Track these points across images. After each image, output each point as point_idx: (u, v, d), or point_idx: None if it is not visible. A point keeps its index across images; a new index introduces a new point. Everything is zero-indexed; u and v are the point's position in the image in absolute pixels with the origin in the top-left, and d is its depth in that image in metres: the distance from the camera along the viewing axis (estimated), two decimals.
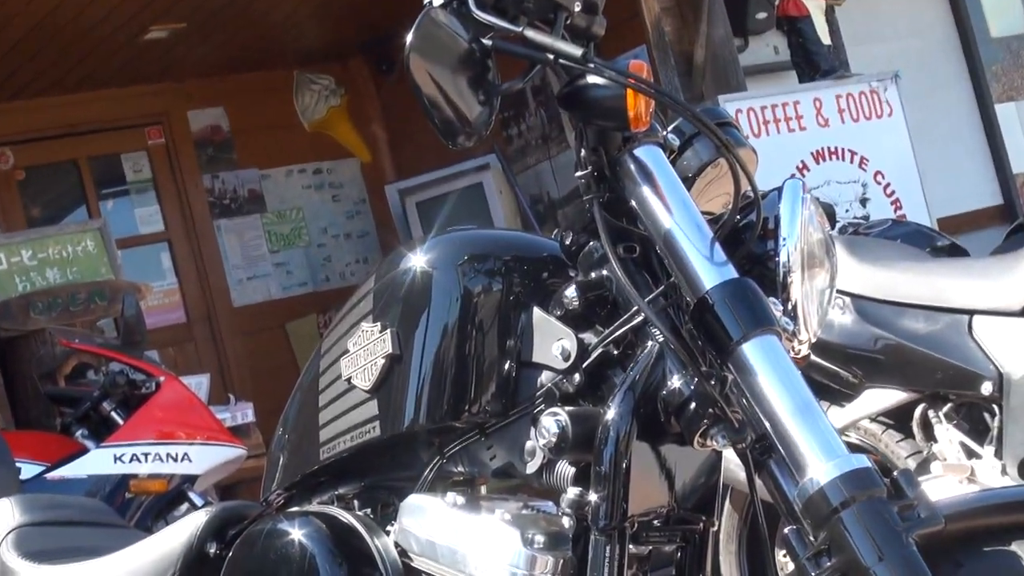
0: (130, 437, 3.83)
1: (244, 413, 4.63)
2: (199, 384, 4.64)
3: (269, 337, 5.97)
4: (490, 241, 1.34)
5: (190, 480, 3.89)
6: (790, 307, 1.15)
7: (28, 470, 3.64)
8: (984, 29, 6.23)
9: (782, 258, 1.15)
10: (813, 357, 2.30)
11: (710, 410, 1.05)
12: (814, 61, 5.08)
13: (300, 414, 1.37)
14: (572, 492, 1.10)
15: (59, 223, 5.52)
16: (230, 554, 1.36)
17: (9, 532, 1.79)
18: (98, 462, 3.74)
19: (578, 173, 1.18)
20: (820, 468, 0.99)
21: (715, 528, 1.20)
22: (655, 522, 1.16)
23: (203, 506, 3.57)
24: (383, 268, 1.34)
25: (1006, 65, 6.36)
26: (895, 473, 1.02)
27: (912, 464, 2.54)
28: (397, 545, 1.24)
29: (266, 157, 6.16)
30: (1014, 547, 1.03)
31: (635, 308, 1.10)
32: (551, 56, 1.11)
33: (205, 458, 3.93)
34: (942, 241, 3.44)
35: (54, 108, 5.47)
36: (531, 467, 1.12)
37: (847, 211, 4.87)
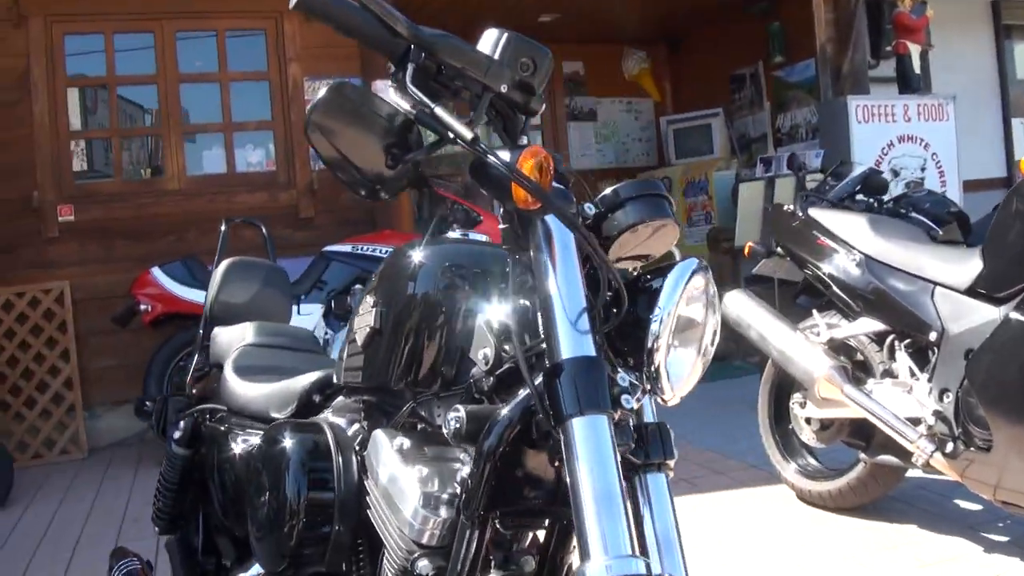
0: None
1: None
2: None
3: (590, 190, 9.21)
4: (467, 255, 1.42)
5: None
6: (652, 370, 1.22)
7: None
8: (1014, 71, 8.68)
9: (652, 328, 1.20)
10: (834, 288, 3.29)
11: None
12: (909, 82, 7.00)
13: (344, 337, 1.52)
14: (464, 471, 1.22)
15: None
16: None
17: (238, 349, 2.11)
18: None
19: (500, 226, 1.27)
20: (599, 561, 1.04)
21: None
22: (523, 511, 1.26)
23: None
24: (391, 257, 1.46)
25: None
26: None
27: (880, 365, 3.22)
28: (364, 465, 1.41)
29: (601, 91, 9.15)
30: None
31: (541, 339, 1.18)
32: (450, 135, 1.16)
33: None
34: (953, 207, 4.40)
35: None
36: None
37: (912, 174, 6.61)
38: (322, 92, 1.23)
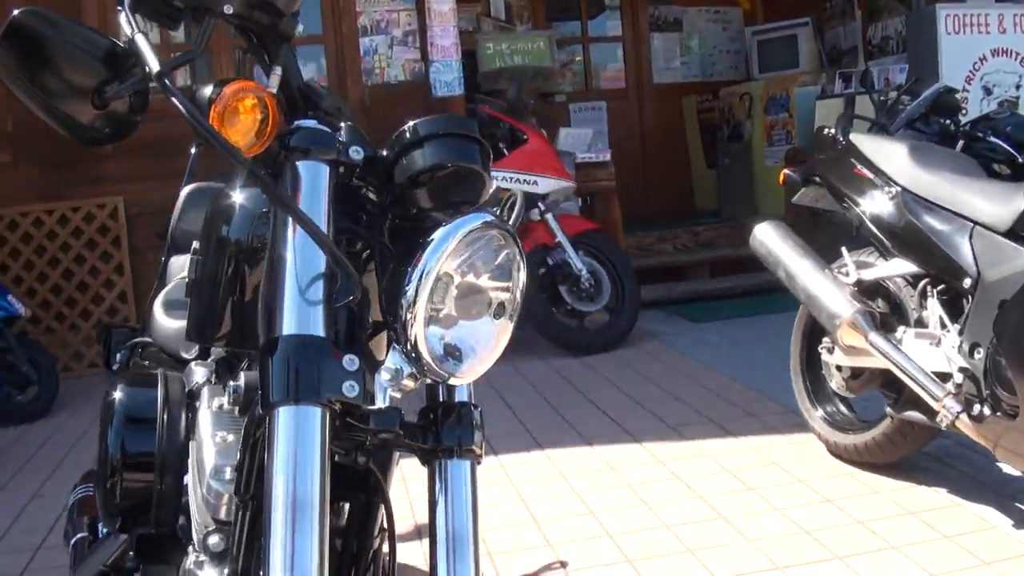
0: (503, 166, 5.20)
1: (603, 154, 6.30)
2: (583, 134, 6.32)
3: (668, 105, 8.53)
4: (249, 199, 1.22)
5: (542, 197, 5.21)
6: (409, 345, 1.05)
7: None
8: None
9: (406, 293, 1.03)
10: (868, 224, 2.98)
11: None
12: None
13: None
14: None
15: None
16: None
17: (175, 280, 2.03)
18: None
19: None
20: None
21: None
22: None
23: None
24: (214, 198, 1.27)
25: None
26: None
27: (913, 312, 2.91)
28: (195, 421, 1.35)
29: (688, 2, 8.71)
30: None
31: None
32: (146, 67, 1.03)
33: (546, 185, 5.26)
34: None
35: None
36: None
37: (1005, 92, 6.25)
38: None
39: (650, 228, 7.18)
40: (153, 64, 1.02)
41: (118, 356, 2.11)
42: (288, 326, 1.03)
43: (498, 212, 1.19)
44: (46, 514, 3.35)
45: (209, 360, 1.47)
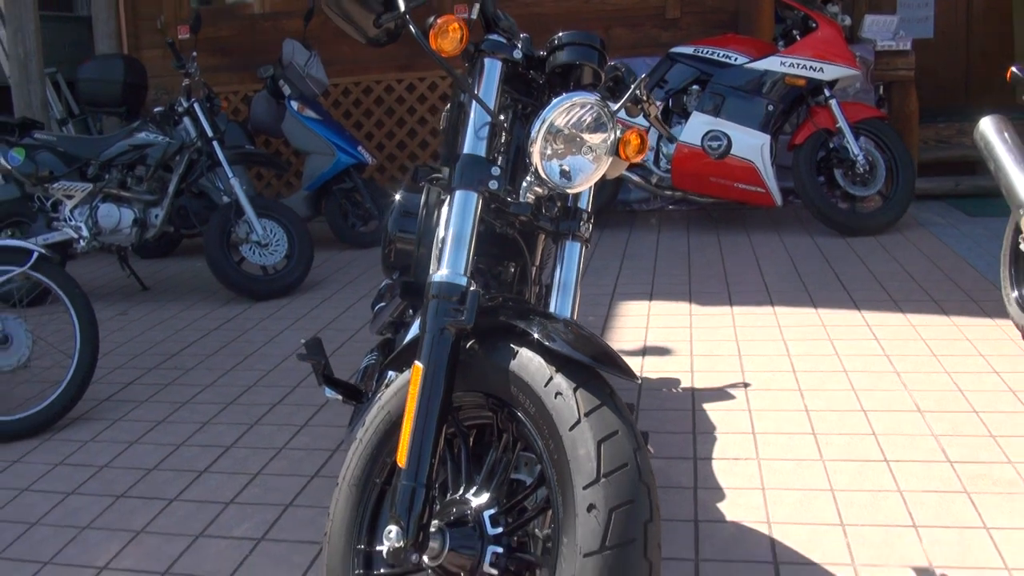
0: (793, 52, 5.61)
1: (905, 42, 6.30)
2: (888, 21, 6.40)
3: None
4: None
5: (828, 83, 5.49)
6: (531, 165, 1.83)
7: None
8: None
9: (530, 137, 1.82)
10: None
11: None
12: None
13: None
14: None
15: None
16: None
17: None
18: (771, 63, 5.58)
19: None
20: (442, 272, 1.73)
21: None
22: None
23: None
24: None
25: None
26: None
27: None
28: None
29: None
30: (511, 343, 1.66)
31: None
32: (399, 9, 1.78)
33: (831, 72, 5.50)
34: None
35: None
36: None
37: None
38: None
39: (954, 120, 7.14)
40: (401, 6, 1.78)
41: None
42: (466, 149, 1.85)
43: (601, 93, 1.92)
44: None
45: None
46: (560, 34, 1.97)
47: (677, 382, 3.45)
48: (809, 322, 4.02)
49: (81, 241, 5.14)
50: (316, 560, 2.39)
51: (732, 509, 2.52)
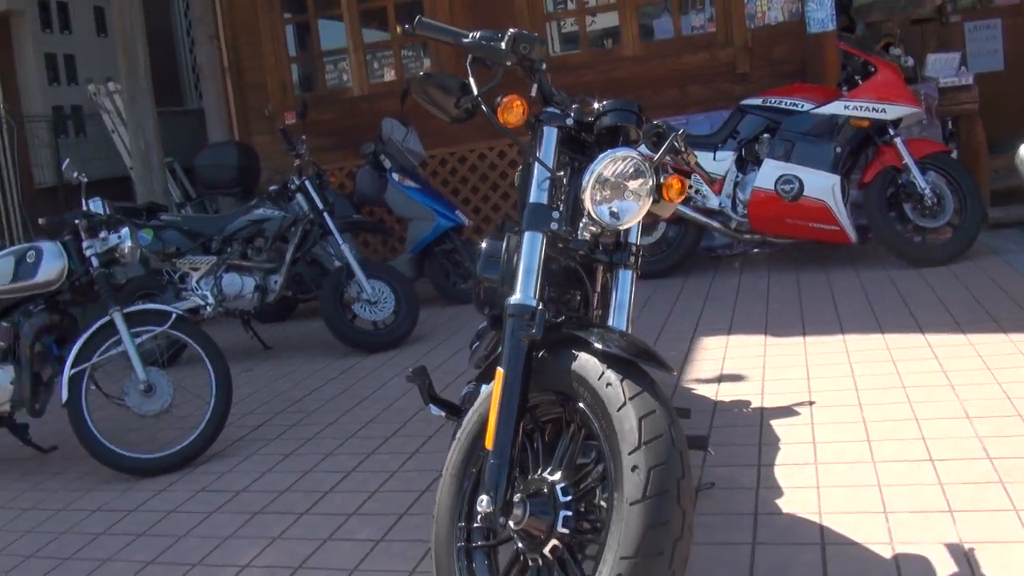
0: (855, 96, 5.95)
1: (967, 77, 6.66)
2: (950, 58, 6.75)
3: None
4: None
5: (892, 123, 5.83)
6: (584, 210, 2.29)
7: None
8: None
9: (582, 184, 2.26)
10: None
11: None
12: None
13: None
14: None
15: None
16: None
17: None
18: (836, 108, 5.95)
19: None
20: (515, 297, 2.19)
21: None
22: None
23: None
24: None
25: None
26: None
27: None
28: None
29: None
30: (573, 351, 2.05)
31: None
32: (473, 93, 2.32)
33: (893, 112, 5.84)
34: None
35: None
36: None
37: None
38: (421, 75, 2.40)
39: None
40: (475, 91, 2.29)
41: None
42: (532, 199, 2.30)
43: (641, 147, 2.35)
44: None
45: None
46: (605, 102, 2.43)
47: (748, 403, 3.79)
48: (875, 346, 4.31)
49: (208, 307, 5.75)
50: (427, 553, 2.81)
51: (788, 504, 2.85)
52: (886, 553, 2.50)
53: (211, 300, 5.75)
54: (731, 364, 4.34)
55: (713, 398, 3.90)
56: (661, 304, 5.75)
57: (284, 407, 4.70)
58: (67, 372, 3.82)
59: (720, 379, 4.15)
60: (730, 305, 5.53)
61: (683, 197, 2.49)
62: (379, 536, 3.00)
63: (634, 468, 1.82)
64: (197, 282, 5.79)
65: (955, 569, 2.38)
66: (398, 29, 8.09)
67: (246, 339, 6.25)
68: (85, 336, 3.92)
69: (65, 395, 3.82)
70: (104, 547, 3.21)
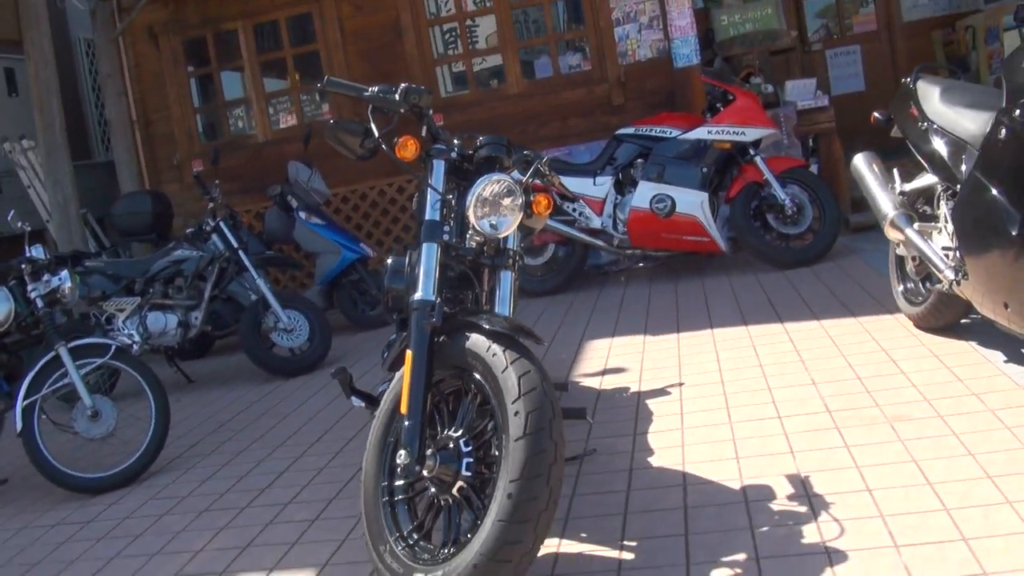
0: (717, 122, 6.66)
1: (822, 100, 7.38)
2: (807, 84, 7.47)
3: (918, 42, 9.26)
4: None
5: (752, 144, 6.52)
6: (468, 224, 2.83)
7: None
8: None
9: (466, 205, 2.81)
10: (913, 150, 4.10)
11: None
12: None
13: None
14: None
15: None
16: None
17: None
18: (701, 133, 6.63)
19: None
20: (418, 295, 2.72)
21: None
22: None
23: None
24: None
25: None
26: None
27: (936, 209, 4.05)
28: None
29: None
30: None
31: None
32: (375, 136, 2.93)
33: (752, 134, 6.53)
34: None
35: None
36: None
37: None
38: (331, 122, 2.92)
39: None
40: (375, 133, 2.87)
41: None
42: (427, 217, 2.84)
43: (513, 172, 2.89)
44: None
45: None
46: (481, 138, 3.01)
47: (627, 389, 4.36)
48: (739, 336, 4.94)
49: (135, 345, 6.09)
50: (358, 522, 3.27)
51: (657, 460, 3.41)
52: (735, 485, 3.07)
53: (137, 338, 6.09)
54: (614, 360, 4.92)
55: (598, 388, 4.46)
56: (552, 318, 6.30)
57: (214, 428, 5.10)
58: (19, 404, 4.17)
59: (604, 372, 4.72)
60: (614, 314, 6.11)
61: (550, 211, 3.05)
62: (314, 516, 3.46)
63: (516, 413, 2.35)
64: (123, 322, 6.13)
65: (792, 490, 2.95)
66: (298, 78, 8.58)
67: (171, 374, 6.58)
68: (34, 370, 4.27)
69: (19, 425, 4.16)
70: (68, 551, 3.58)
